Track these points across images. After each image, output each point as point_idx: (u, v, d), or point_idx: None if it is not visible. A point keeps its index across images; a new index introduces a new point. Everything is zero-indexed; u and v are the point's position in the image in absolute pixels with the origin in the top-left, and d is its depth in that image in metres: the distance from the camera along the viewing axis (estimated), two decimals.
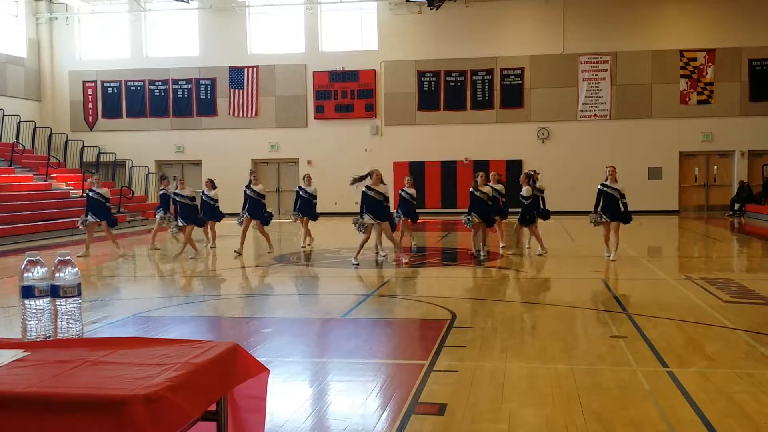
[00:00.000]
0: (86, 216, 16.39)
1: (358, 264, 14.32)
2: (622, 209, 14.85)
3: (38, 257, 2.91)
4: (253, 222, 16.91)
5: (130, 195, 27.80)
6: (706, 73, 28.44)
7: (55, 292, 2.89)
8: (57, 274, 2.89)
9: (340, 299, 11.46)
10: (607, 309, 9.73)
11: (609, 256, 15.01)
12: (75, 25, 31.74)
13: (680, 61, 28.53)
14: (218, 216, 18.07)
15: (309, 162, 29.68)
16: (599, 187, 15.04)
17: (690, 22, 28.59)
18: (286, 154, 30.82)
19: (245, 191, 16.94)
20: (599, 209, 14.95)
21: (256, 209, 16.77)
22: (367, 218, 14.33)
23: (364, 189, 14.49)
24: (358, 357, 7.49)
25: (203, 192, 17.97)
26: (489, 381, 6.34)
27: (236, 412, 2.91)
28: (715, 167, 29.36)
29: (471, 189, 15.61)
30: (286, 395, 6.12)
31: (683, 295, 10.74)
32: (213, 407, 2.71)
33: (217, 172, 24.83)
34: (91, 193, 16.43)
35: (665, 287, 11.68)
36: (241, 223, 16.91)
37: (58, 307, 2.92)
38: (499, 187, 16.49)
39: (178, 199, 16.59)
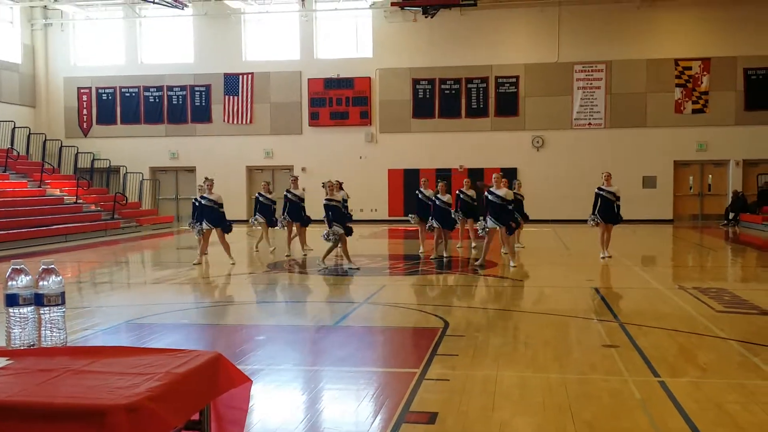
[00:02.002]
0: (200, 223, 15.99)
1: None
2: (616, 211, 16.04)
3: (23, 265, 2.89)
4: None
5: (124, 201, 27.74)
6: (701, 82, 28.50)
7: (39, 300, 2.88)
8: (41, 283, 2.87)
9: (332, 307, 11.45)
10: (599, 318, 9.72)
11: (603, 256, 16.10)
12: (70, 32, 31.72)
13: (675, 70, 28.58)
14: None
15: (303, 169, 29.67)
16: (596, 190, 16.23)
17: (685, 31, 28.65)
18: (280, 161, 30.79)
19: (286, 195, 18.00)
20: (596, 211, 16.09)
21: (296, 212, 17.76)
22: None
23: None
24: (350, 365, 7.47)
25: (196, 198, 17.94)
26: (480, 389, 6.32)
27: (220, 421, 2.90)
28: (710, 176, 29.40)
29: (485, 192, 15.21)
30: (277, 403, 6.11)
31: (676, 304, 10.73)
32: (196, 417, 2.70)
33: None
34: (203, 201, 15.99)
35: (658, 296, 11.67)
36: (284, 227, 18.01)
37: (42, 316, 2.90)
38: (471, 192, 18.22)
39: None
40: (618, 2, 28.60)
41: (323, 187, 15.20)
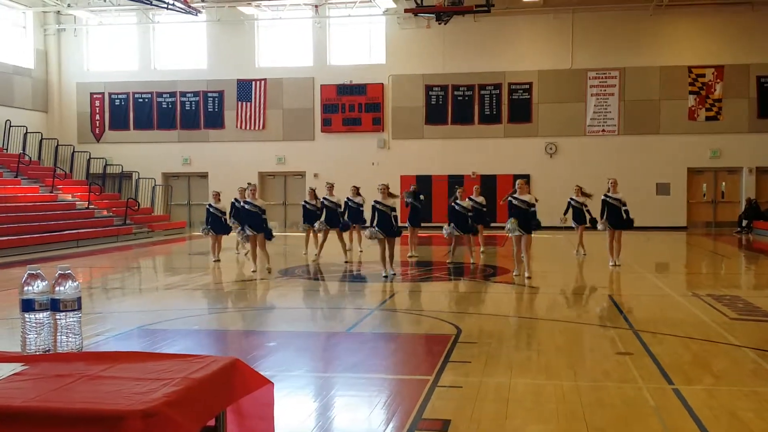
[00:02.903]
0: (243, 229, 15.63)
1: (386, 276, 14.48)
2: (624, 217, 16.21)
3: (39, 271, 2.90)
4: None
5: (137, 207, 27.83)
6: (715, 90, 28.40)
7: (55, 306, 2.88)
8: (57, 288, 2.88)
9: (344, 313, 11.44)
10: (613, 325, 9.68)
11: (613, 264, 16.14)
12: (83, 37, 31.87)
13: (689, 77, 28.49)
14: (226, 229, 17.94)
15: (315, 175, 29.70)
16: (603, 197, 16.54)
17: (698, 39, 28.58)
18: (292, 167, 30.84)
19: (323, 201, 18.29)
20: (604, 218, 16.42)
21: (335, 218, 18.04)
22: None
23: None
24: (363, 372, 7.46)
25: (210, 204, 17.93)
26: (493, 397, 6.29)
27: (245, 419, 2.90)
28: (723, 183, 29.25)
29: (508, 197, 14.55)
30: (289, 410, 6.09)
31: (690, 311, 10.68)
32: (212, 422, 2.69)
33: (223, 185, 24.83)
34: (246, 206, 15.57)
35: (672, 303, 11.62)
36: (320, 231, 18.25)
37: (58, 321, 2.90)
38: (480, 199, 18.67)
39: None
40: (631, 9, 28.53)
41: (378, 190, 14.91)
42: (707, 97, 28.45)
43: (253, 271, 15.52)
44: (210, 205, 17.89)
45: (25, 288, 2.87)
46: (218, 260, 17.77)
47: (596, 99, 28.92)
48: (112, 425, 2.20)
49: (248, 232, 15.55)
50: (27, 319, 2.87)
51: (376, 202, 14.61)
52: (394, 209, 14.65)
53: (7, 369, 2.65)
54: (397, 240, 15.41)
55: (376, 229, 14.47)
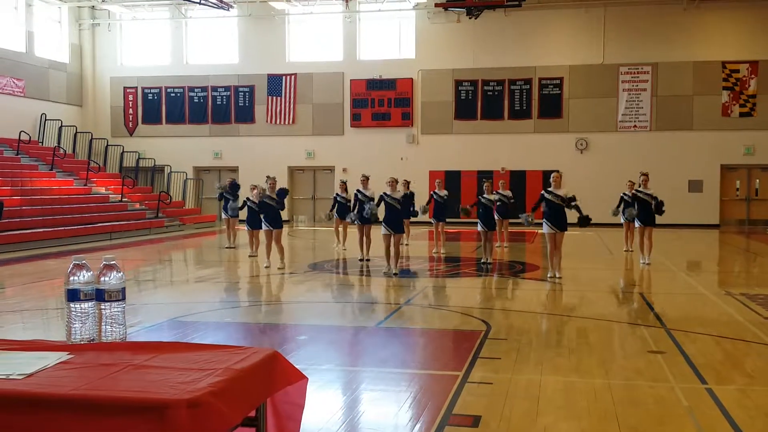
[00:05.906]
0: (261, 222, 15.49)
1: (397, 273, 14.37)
2: (654, 208, 15.87)
3: (84, 261, 2.95)
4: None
5: (168, 200, 28.06)
6: (749, 85, 28.05)
7: (100, 296, 2.94)
8: (102, 279, 2.93)
9: (373, 308, 11.47)
10: (645, 323, 9.61)
11: (643, 262, 15.93)
12: (117, 32, 32.21)
13: (722, 73, 28.16)
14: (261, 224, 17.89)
15: (344, 170, 29.74)
16: (633, 192, 16.61)
17: (732, 34, 28.23)
18: (322, 162, 30.92)
19: (356, 194, 17.05)
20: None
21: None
22: None
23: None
24: (392, 366, 7.48)
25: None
26: (524, 394, 6.29)
27: (278, 417, 2.93)
28: (757, 181, 28.89)
29: (542, 192, 13.83)
30: (319, 403, 6.12)
31: (723, 310, 10.58)
32: (252, 413, 2.73)
33: (253, 179, 24.93)
34: (265, 199, 15.36)
35: (705, 302, 11.52)
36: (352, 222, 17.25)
37: (103, 311, 2.96)
38: (507, 192, 19.04)
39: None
40: (664, 3, 28.25)
41: (387, 183, 14.62)
42: (741, 92, 28.11)
43: (266, 266, 15.27)
44: (248, 198, 17.65)
45: (71, 278, 2.92)
46: (255, 255, 17.70)
47: (628, 94, 28.69)
48: (157, 414, 2.25)
49: (265, 226, 15.39)
50: (72, 309, 2.93)
51: (384, 194, 14.46)
52: (401, 201, 14.38)
53: (54, 358, 2.71)
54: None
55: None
